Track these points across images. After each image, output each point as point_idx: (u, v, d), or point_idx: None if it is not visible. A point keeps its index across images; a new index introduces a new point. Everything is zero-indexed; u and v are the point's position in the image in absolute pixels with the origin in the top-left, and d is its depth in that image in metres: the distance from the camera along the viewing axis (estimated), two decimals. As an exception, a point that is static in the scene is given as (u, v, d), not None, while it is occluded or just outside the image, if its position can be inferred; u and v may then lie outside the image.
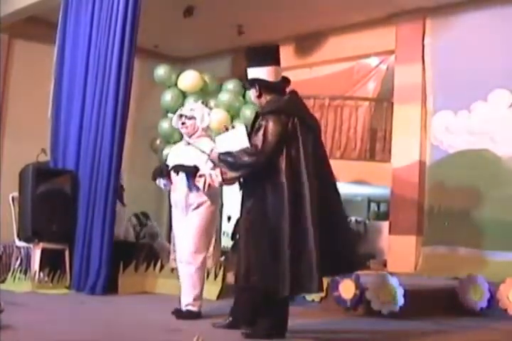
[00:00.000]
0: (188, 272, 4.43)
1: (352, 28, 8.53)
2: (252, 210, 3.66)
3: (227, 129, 3.91)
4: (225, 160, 3.70)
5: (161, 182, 4.62)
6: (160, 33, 8.67)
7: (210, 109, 4.97)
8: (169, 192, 4.67)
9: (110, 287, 5.53)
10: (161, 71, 6.75)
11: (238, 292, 3.96)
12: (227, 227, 7.81)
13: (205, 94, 6.58)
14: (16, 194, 6.08)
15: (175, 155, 4.65)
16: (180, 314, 4.38)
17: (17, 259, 6.10)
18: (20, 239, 5.95)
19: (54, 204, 5.85)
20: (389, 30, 8.19)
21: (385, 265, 7.84)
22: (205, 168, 4.38)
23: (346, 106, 8.75)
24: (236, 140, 3.71)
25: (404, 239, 7.58)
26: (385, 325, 4.52)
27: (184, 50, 9.71)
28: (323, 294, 5.05)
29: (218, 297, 5.51)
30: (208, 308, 4.70)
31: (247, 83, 3.93)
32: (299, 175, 3.55)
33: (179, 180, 4.48)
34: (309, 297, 5.16)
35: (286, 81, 3.90)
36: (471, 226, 7.07)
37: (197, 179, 4.37)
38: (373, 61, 9.18)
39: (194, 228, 4.43)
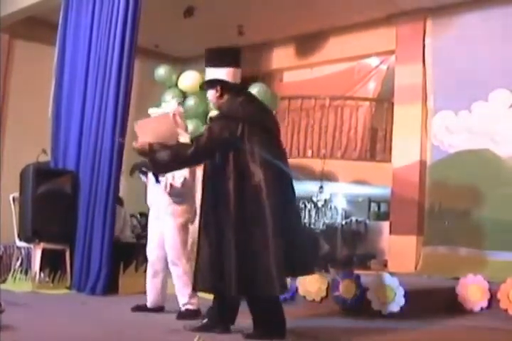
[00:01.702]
0: (176, 273, 4.48)
1: (352, 28, 8.53)
2: (204, 212, 3.73)
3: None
4: (158, 154, 3.69)
5: (142, 177, 4.70)
6: (160, 33, 8.67)
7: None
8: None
9: (110, 287, 5.54)
10: (162, 71, 6.75)
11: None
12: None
13: (205, 94, 6.56)
14: (16, 194, 6.09)
15: None
16: (180, 314, 4.39)
17: (17, 259, 6.11)
18: (20, 240, 5.96)
19: (54, 205, 5.85)
20: (389, 30, 8.19)
21: (385, 265, 7.84)
22: None
23: (347, 107, 8.76)
24: (162, 127, 3.83)
25: (405, 239, 7.58)
26: (385, 325, 4.51)
27: (184, 50, 9.70)
28: (323, 294, 5.06)
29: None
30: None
31: (207, 83, 3.90)
32: (249, 177, 3.56)
33: (150, 178, 4.55)
34: (309, 297, 5.16)
35: (246, 82, 4.03)
36: (471, 226, 7.06)
37: (159, 179, 4.44)
38: (374, 61, 9.19)
39: (171, 230, 4.49)
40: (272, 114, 4.09)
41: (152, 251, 4.61)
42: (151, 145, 3.69)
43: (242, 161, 3.58)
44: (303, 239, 3.74)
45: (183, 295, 4.45)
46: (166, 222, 4.52)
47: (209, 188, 3.71)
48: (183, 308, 4.44)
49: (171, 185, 4.44)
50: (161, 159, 3.67)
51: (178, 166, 3.85)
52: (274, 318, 3.63)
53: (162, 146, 3.68)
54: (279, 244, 3.47)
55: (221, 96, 3.82)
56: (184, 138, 3.95)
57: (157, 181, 4.46)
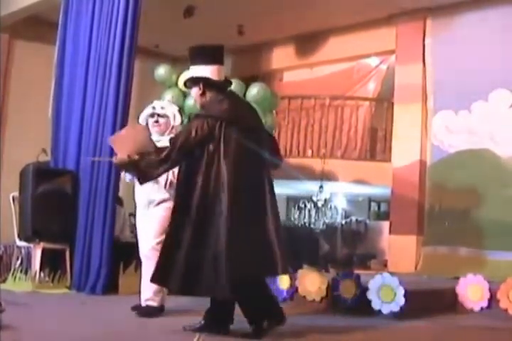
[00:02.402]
0: (147, 267, 4.37)
1: (352, 28, 8.54)
2: (174, 208, 3.73)
3: None
4: (143, 162, 3.72)
5: (126, 176, 4.62)
6: (160, 32, 8.67)
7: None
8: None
9: (110, 287, 5.53)
10: (162, 71, 6.75)
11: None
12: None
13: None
14: (16, 194, 6.08)
15: None
16: (140, 310, 4.36)
17: (17, 259, 6.10)
18: (20, 239, 5.95)
19: (54, 204, 5.84)
20: (389, 30, 8.20)
21: (385, 265, 7.84)
22: None
23: (347, 106, 8.77)
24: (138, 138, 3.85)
25: (405, 239, 7.58)
26: (385, 325, 4.51)
27: (184, 50, 9.63)
28: (323, 294, 5.06)
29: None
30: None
31: (190, 81, 3.88)
32: (218, 175, 3.55)
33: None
34: (309, 297, 5.16)
35: (228, 82, 3.92)
36: (471, 226, 7.07)
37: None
38: (374, 61, 9.20)
39: (155, 224, 4.44)
40: (256, 112, 4.03)
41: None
42: (129, 156, 3.70)
43: (214, 159, 3.58)
44: (270, 240, 3.62)
45: (148, 289, 4.37)
46: (151, 216, 4.47)
47: (181, 185, 3.74)
48: (144, 303, 4.38)
49: (171, 182, 4.42)
50: (142, 169, 3.71)
51: (160, 171, 3.77)
52: (265, 314, 3.62)
53: (140, 155, 3.70)
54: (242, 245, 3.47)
55: (203, 94, 3.80)
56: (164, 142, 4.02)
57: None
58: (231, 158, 3.59)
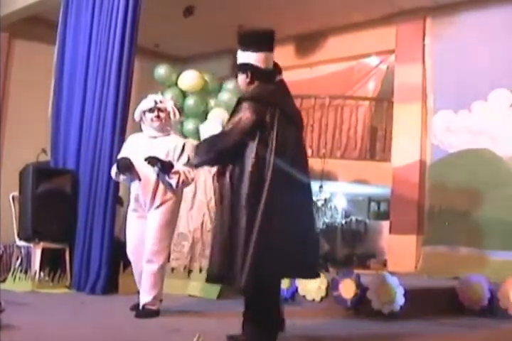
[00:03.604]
0: (150, 270, 4.36)
1: (352, 28, 8.53)
2: (223, 198, 3.57)
3: None
4: (199, 146, 3.66)
5: (120, 177, 4.56)
6: (160, 32, 8.67)
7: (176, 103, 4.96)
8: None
9: (110, 287, 5.53)
10: (162, 70, 6.75)
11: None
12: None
13: (205, 93, 6.57)
14: (16, 193, 6.08)
15: (140, 148, 4.50)
16: (138, 312, 4.35)
17: (17, 259, 6.11)
18: (20, 239, 5.95)
19: (54, 204, 5.84)
20: (389, 29, 8.20)
21: (385, 264, 7.84)
22: (179, 164, 4.40)
23: (346, 106, 8.76)
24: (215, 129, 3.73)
25: (405, 239, 7.58)
26: (385, 325, 4.52)
27: (184, 50, 9.70)
28: (323, 294, 5.06)
29: (218, 296, 5.51)
30: (209, 308, 4.71)
31: (238, 67, 3.71)
32: (267, 166, 3.41)
33: (150, 173, 4.41)
34: (309, 296, 5.16)
35: (277, 69, 3.73)
36: (471, 225, 7.07)
37: (171, 175, 4.35)
38: (373, 61, 9.18)
39: (156, 226, 4.38)
40: (299, 109, 3.91)
41: (134, 252, 4.51)
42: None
43: (264, 147, 3.43)
44: (310, 243, 3.53)
45: (148, 294, 4.35)
46: (152, 218, 4.40)
47: (226, 175, 3.54)
48: (143, 307, 4.36)
49: (183, 181, 4.38)
50: (200, 152, 3.59)
51: (217, 154, 3.54)
52: (268, 319, 3.49)
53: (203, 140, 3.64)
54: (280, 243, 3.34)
55: (251, 82, 3.66)
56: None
57: (168, 175, 4.37)
58: (287, 148, 3.48)
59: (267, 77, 3.66)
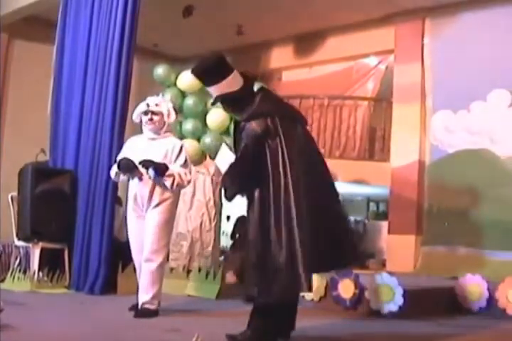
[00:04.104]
0: (148, 269, 4.39)
1: (351, 28, 8.53)
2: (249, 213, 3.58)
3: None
4: (224, 180, 3.65)
5: (120, 177, 4.60)
6: (159, 32, 8.67)
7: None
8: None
9: (109, 287, 5.53)
10: (161, 70, 6.74)
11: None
12: (227, 227, 7.81)
13: (204, 93, 6.56)
14: (15, 193, 6.08)
15: (139, 149, 4.55)
16: (137, 311, 4.36)
17: (16, 259, 6.10)
18: (19, 239, 5.95)
19: (53, 204, 5.84)
20: (388, 29, 8.19)
21: (384, 264, 7.84)
22: (174, 166, 4.45)
23: (345, 106, 8.76)
24: (228, 157, 3.72)
25: (404, 239, 7.58)
26: (384, 325, 4.52)
27: (183, 50, 9.70)
28: (322, 294, 5.06)
29: (217, 296, 5.51)
30: (209, 307, 4.70)
31: (216, 101, 3.69)
32: (285, 171, 3.44)
33: (146, 175, 4.47)
34: (308, 296, 5.16)
35: (249, 79, 3.69)
36: (470, 225, 7.07)
37: (165, 178, 4.40)
38: (372, 61, 9.20)
39: (154, 226, 4.42)
40: (292, 105, 3.91)
41: (138, 252, 4.54)
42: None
43: (278, 156, 3.45)
44: (343, 238, 3.56)
45: (147, 293, 4.38)
46: (151, 217, 4.45)
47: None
48: (141, 306, 4.38)
49: (179, 184, 4.43)
50: (227, 185, 3.58)
51: (241, 180, 3.56)
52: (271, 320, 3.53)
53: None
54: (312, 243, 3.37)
55: (234, 109, 3.69)
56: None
57: (157, 179, 4.41)
58: (301, 152, 3.51)
59: (248, 93, 3.63)
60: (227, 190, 3.57)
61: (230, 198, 3.59)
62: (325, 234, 3.43)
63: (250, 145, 3.50)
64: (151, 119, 4.54)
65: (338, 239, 3.50)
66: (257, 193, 3.46)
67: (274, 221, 3.38)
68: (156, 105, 4.59)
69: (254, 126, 3.50)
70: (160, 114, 4.57)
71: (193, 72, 3.69)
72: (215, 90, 3.61)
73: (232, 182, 3.55)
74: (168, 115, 4.62)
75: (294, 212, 3.37)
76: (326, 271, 3.96)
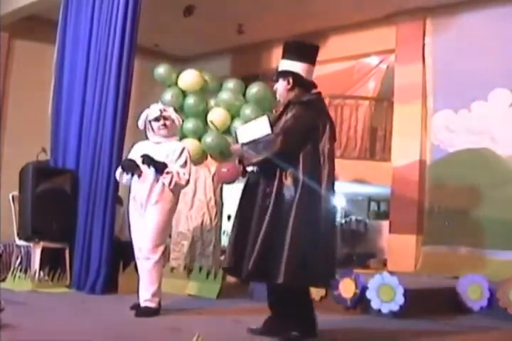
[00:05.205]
0: (146, 267, 4.45)
1: (352, 28, 8.53)
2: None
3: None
4: (248, 146, 3.68)
5: (123, 177, 4.66)
6: (160, 32, 8.67)
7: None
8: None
9: (110, 286, 5.53)
10: (161, 70, 6.73)
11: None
12: (227, 226, 7.80)
13: (205, 93, 6.56)
14: (16, 193, 6.08)
15: (143, 152, 4.61)
16: (138, 310, 4.38)
17: (17, 258, 6.10)
18: (20, 238, 5.95)
19: (54, 203, 5.84)
20: (389, 29, 8.19)
21: (385, 264, 7.84)
22: (174, 166, 4.51)
23: (346, 106, 8.75)
24: (259, 130, 3.71)
25: (405, 238, 7.58)
26: (385, 325, 4.52)
27: (184, 49, 9.70)
28: (322, 293, 5.06)
29: (218, 296, 5.51)
30: (209, 307, 4.70)
31: (280, 74, 3.79)
32: (318, 171, 3.53)
33: (148, 172, 4.52)
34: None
35: (314, 83, 3.84)
36: (471, 225, 7.07)
37: (164, 175, 4.45)
38: (373, 60, 9.19)
39: (152, 224, 4.47)
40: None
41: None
42: (243, 144, 3.72)
43: (314, 152, 3.54)
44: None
45: (146, 291, 4.42)
46: (149, 215, 4.50)
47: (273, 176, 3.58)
48: (142, 304, 4.41)
49: (176, 183, 4.47)
50: (252, 150, 3.63)
51: (269, 154, 3.57)
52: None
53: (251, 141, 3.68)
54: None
55: (291, 89, 3.76)
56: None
57: (158, 172, 4.46)
58: (326, 154, 3.57)
59: (307, 87, 3.77)
60: (253, 157, 3.61)
61: (249, 164, 3.69)
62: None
63: (297, 129, 3.55)
64: (164, 124, 4.64)
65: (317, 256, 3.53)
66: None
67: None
68: (165, 110, 4.69)
69: (304, 112, 3.58)
70: (170, 118, 4.68)
71: (291, 42, 3.88)
72: (289, 65, 3.75)
73: (264, 152, 3.57)
74: (178, 119, 4.76)
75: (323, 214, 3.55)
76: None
